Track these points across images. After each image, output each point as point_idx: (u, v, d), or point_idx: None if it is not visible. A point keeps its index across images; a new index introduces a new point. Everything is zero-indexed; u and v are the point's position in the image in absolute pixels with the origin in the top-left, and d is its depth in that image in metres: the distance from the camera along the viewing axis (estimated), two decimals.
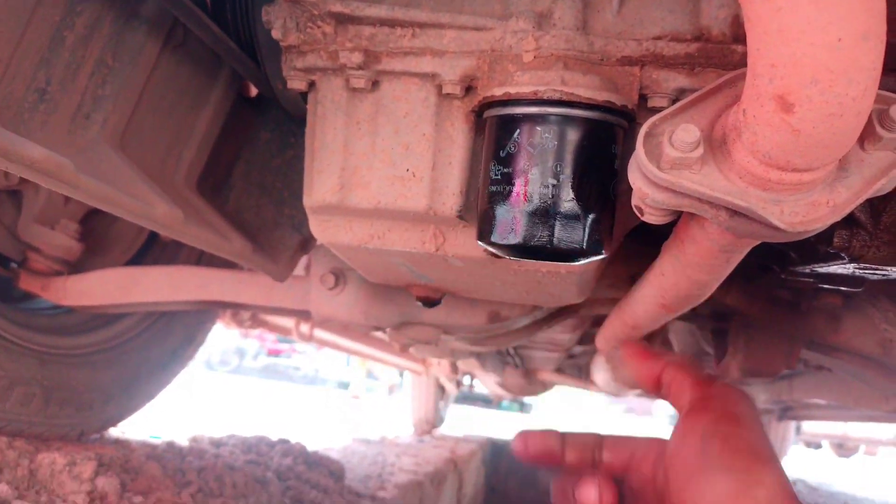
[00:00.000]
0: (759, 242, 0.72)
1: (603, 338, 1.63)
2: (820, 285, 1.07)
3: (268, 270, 1.38)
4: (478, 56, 0.82)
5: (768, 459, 0.60)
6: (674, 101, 0.78)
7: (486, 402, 12.36)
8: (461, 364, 3.33)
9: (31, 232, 1.46)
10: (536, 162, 0.75)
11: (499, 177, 0.77)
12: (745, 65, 0.58)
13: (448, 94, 0.84)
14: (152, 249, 1.80)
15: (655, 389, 0.74)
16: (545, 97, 0.74)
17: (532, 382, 3.99)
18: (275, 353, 17.18)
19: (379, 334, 2.84)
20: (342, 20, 0.86)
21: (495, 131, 0.79)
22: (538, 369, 3.88)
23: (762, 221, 0.62)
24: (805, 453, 12.38)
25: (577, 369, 4.07)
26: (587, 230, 0.76)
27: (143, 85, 1.06)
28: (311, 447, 2.15)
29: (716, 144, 0.64)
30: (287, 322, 2.83)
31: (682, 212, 0.71)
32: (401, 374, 11.17)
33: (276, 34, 0.89)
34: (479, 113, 0.85)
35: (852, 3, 0.50)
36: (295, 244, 1.41)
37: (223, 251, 1.24)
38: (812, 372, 2.39)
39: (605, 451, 0.76)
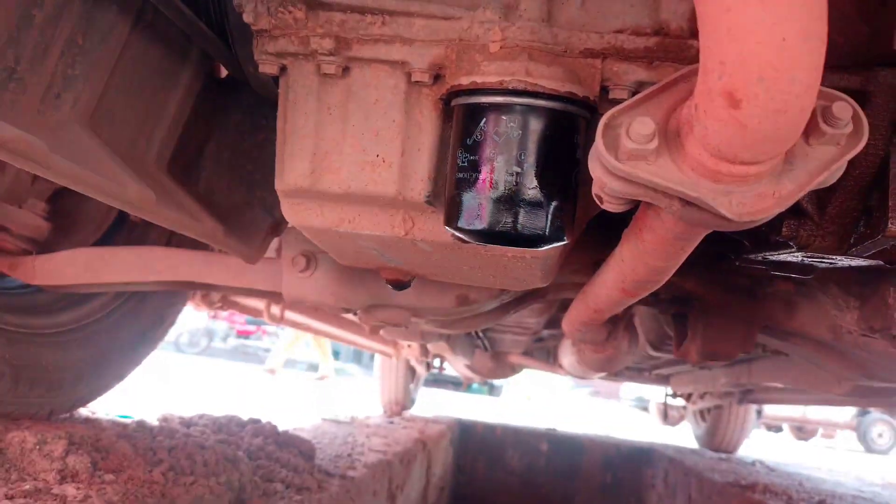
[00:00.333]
0: (710, 231, 0.76)
1: (569, 321, 1.67)
2: (773, 272, 1.12)
3: (239, 252, 1.39)
4: (446, 45, 0.84)
5: None
6: (633, 93, 0.81)
7: (455, 384, 12.46)
8: (431, 347, 3.37)
9: None
10: (501, 150, 0.78)
11: (466, 164, 0.80)
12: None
13: (417, 81, 0.86)
14: (121, 230, 1.80)
15: None
16: (510, 87, 0.77)
17: (501, 365, 4.05)
18: (244, 333, 17.07)
19: (350, 316, 2.85)
20: (313, 6, 0.87)
21: (462, 119, 0.81)
22: (507, 352, 3.93)
23: (711, 211, 0.65)
24: (766, 436, 12.72)
25: (544, 352, 4.13)
26: (550, 217, 0.80)
27: (114, 65, 1.06)
28: (281, 427, 2.17)
29: (671, 137, 0.68)
30: (258, 303, 2.83)
31: (640, 201, 0.74)
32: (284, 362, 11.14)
33: (247, 18, 0.89)
34: (447, 101, 0.87)
35: (795, 5, 0.53)
36: (266, 226, 1.42)
37: (194, 232, 1.24)
38: (770, 356, 2.47)
39: None
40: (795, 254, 0.92)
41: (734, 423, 5.27)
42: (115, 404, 2.10)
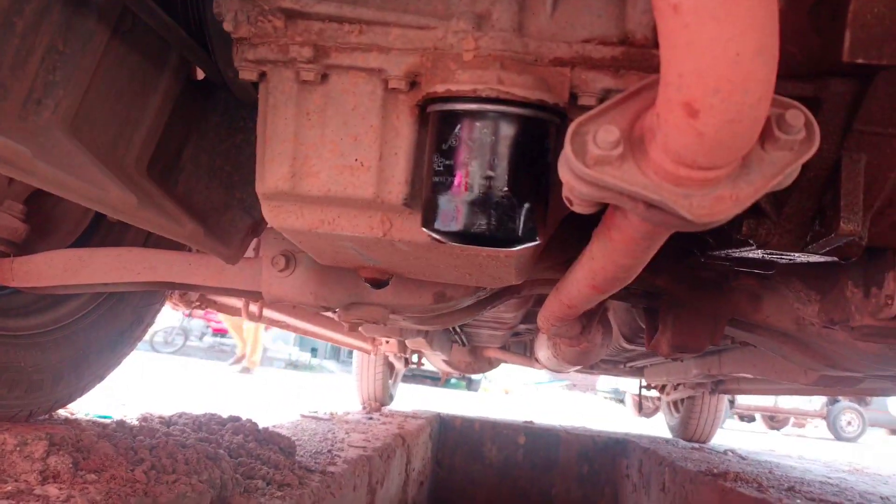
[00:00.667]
0: (674, 231, 0.80)
1: (544, 317, 1.71)
2: (737, 268, 1.17)
3: (219, 253, 1.41)
4: (421, 53, 0.87)
5: None
6: (601, 100, 0.85)
7: (434, 379, 12.51)
8: (409, 343, 3.40)
9: None
10: (475, 155, 0.81)
11: (441, 168, 0.83)
12: None
13: (393, 88, 0.89)
14: (98, 230, 1.80)
15: None
16: (483, 95, 0.80)
17: (478, 360, 4.09)
18: (221, 331, 16.92)
19: (329, 314, 2.87)
20: (292, 15, 0.89)
21: (438, 125, 0.84)
22: (484, 347, 3.98)
23: (673, 213, 0.69)
24: (739, 426, 12.97)
25: (521, 347, 4.19)
26: (522, 218, 0.83)
27: (94, 70, 1.08)
28: (261, 424, 2.19)
29: (635, 143, 0.71)
30: (236, 302, 2.84)
31: (608, 203, 0.78)
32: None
33: (227, 26, 0.92)
34: (423, 107, 0.90)
35: (749, 22, 0.57)
36: (245, 227, 1.44)
37: (175, 235, 1.26)
38: (739, 347, 2.54)
39: None
40: (756, 251, 0.97)
41: (707, 413, 5.38)
42: (94, 405, 2.11)
